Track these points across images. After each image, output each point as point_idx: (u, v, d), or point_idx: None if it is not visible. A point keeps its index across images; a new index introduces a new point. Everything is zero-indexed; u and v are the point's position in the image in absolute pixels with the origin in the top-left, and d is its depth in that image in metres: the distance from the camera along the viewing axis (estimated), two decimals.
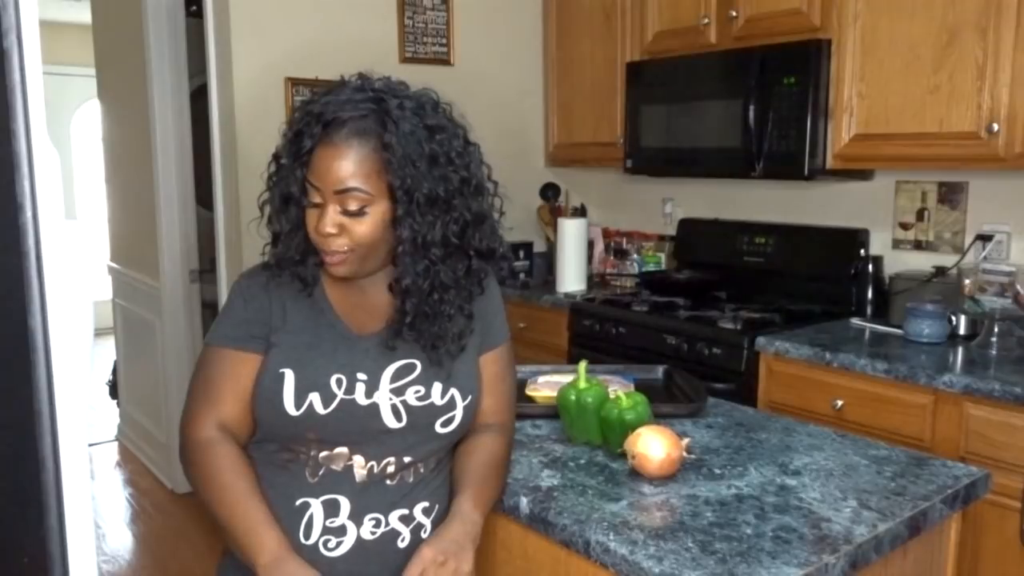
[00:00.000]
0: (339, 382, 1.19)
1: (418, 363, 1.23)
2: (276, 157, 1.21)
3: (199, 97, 3.52)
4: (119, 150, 4.25)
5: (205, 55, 3.07)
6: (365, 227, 1.15)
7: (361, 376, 1.20)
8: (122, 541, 3.40)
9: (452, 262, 1.20)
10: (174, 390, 3.65)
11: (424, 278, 1.18)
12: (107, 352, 5.12)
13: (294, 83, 3.03)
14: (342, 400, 1.18)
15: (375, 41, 3.22)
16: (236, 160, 2.98)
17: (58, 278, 0.70)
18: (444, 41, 3.42)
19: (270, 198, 1.21)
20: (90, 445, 4.39)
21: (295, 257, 1.21)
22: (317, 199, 1.16)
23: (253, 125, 2.97)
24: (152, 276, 3.82)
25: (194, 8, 3.60)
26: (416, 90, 1.22)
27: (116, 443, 4.48)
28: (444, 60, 3.43)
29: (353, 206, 1.14)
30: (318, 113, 1.15)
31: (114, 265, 4.44)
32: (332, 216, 1.15)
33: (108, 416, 4.71)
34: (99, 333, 6.43)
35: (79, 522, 0.72)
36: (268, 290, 1.24)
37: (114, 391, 4.64)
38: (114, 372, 4.62)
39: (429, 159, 1.15)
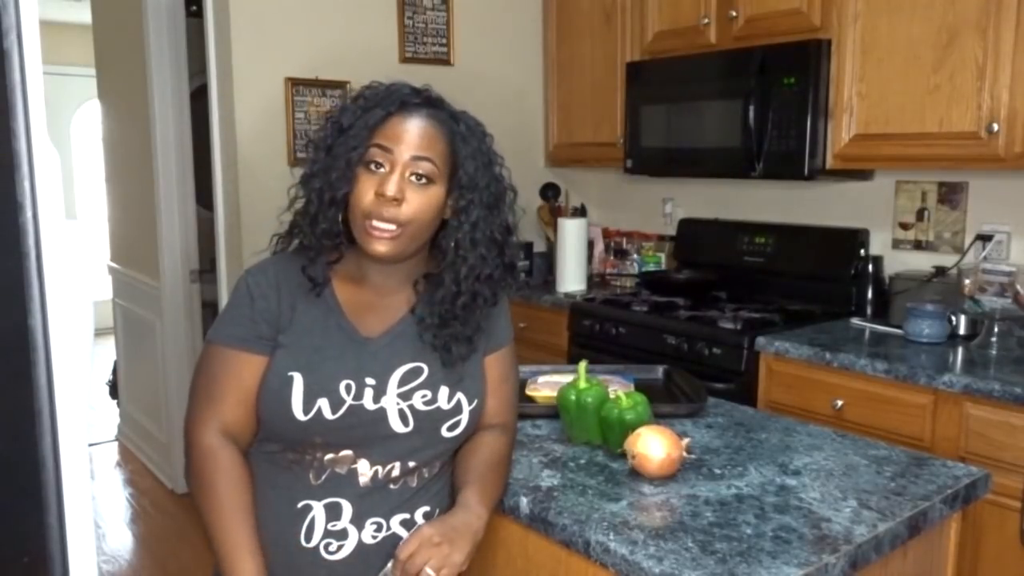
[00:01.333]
0: (348, 388, 1.18)
1: (425, 367, 1.23)
2: (337, 126, 1.21)
3: (199, 97, 3.52)
4: (119, 150, 4.25)
5: (205, 55, 3.07)
6: (425, 201, 1.18)
7: (369, 381, 1.19)
8: (122, 541, 3.40)
9: (492, 261, 1.24)
10: (174, 390, 3.65)
11: (471, 273, 1.21)
12: (107, 352, 5.12)
13: (294, 83, 3.03)
14: (351, 406, 1.18)
15: (375, 41, 3.22)
16: (236, 160, 2.98)
17: (58, 278, 0.70)
18: (444, 41, 3.42)
19: (326, 166, 1.19)
20: (90, 445, 4.38)
21: (318, 242, 1.21)
22: (382, 160, 1.17)
23: (253, 125, 2.98)
24: (152, 276, 3.82)
25: (194, 8, 3.60)
26: None
27: (116, 443, 4.48)
28: (444, 60, 3.43)
29: (423, 170, 1.17)
30: (386, 94, 1.20)
31: (114, 265, 4.44)
32: (400, 179, 1.16)
33: (108, 416, 4.71)
34: (99, 333, 6.42)
35: (79, 522, 0.72)
36: (277, 287, 1.22)
37: (114, 391, 4.64)
38: (114, 372, 4.62)
39: (489, 161, 1.23)
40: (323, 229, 1.20)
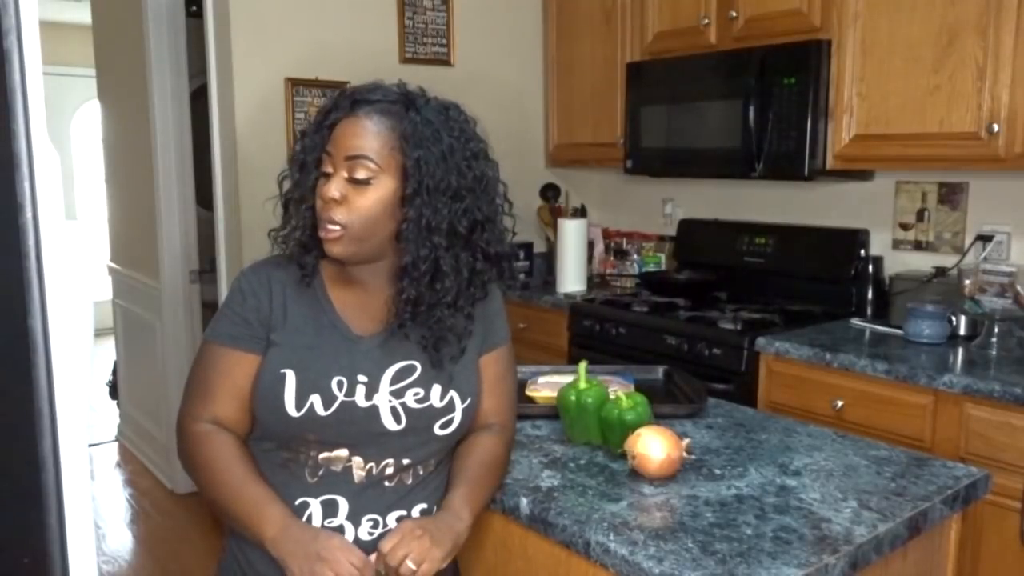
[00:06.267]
0: (340, 384, 1.19)
1: (418, 365, 1.23)
2: (303, 133, 1.25)
3: (199, 97, 3.52)
4: (119, 150, 4.25)
5: (205, 56, 3.07)
6: (367, 200, 1.17)
7: (361, 378, 1.20)
8: (122, 541, 3.40)
9: (456, 252, 1.20)
10: (174, 390, 3.65)
11: (425, 261, 1.18)
12: (107, 352, 5.12)
13: (294, 83, 3.03)
14: (343, 402, 1.18)
15: (375, 41, 3.22)
16: (236, 160, 2.98)
17: (58, 278, 0.69)
18: (444, 41, 3.42)
19: (290, 171, 1.24)
20: (90, 445, 4.38)
21: (301, 238, 1.23)
22: (329, 168, 1.19)
23: (253, 125, 2.98)
24: (152, 276, 3.82)
25: (194, 8, 3.60)
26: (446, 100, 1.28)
27: (116, 443, 4.48)
28: (444, 60, 3.43)
29: (360, 174, 1.16)
30: (350, 94, 1.21)
31: (114, 265, 4.44)
32: (338, 182, 1.18)
33: (108, 416, 4.71)
34: (99, 333, 6.42)
35: (79, 522, 0.71)
36: (270, 286, 1.24)
37: (114, 391, 4.64)
38: (114, 372, 4.62)
39: (447, 149, 1.19)
40: (301, 232, 1.23)
